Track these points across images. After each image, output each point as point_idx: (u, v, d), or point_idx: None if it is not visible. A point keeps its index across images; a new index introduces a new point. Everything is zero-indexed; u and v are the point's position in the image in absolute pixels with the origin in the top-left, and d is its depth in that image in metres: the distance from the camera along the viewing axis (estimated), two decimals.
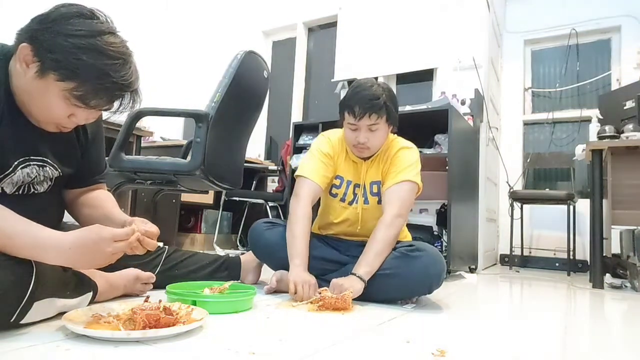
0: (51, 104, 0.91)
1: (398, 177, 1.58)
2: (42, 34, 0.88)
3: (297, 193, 1.60)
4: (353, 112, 1.53)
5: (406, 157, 1.62)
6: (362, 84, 1.58)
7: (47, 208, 1.09)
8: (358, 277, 1.42)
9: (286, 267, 1.53)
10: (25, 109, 0.96)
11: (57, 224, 1.16)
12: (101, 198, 1.21)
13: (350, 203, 1.69)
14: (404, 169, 1.60)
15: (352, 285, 1.38)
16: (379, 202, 1.65)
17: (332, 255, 1.67)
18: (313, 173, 1.62)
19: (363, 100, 1.52)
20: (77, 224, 1.21)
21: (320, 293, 1.36)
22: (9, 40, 0.99)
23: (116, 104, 0.96)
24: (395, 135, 1.74)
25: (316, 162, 1.65)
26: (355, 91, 1.56)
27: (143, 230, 0.99)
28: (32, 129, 0.99)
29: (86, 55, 0.87)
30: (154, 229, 1.03)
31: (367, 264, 1.45)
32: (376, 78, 3.80)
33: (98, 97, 0.92)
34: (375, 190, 1.66)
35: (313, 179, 1.61)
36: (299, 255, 1.48)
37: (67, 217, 1.22)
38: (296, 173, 1.66)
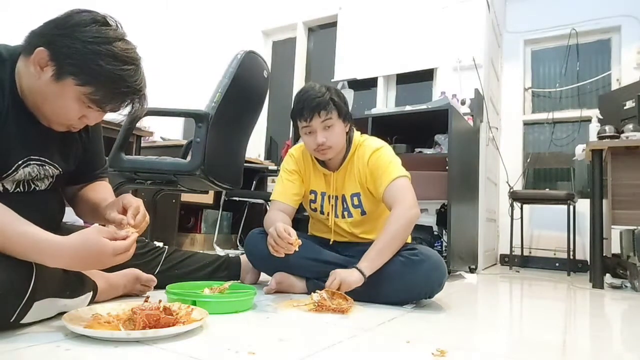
0: (66, 106, 0.94)
1: (387, 177, 1.56)
2: (59, 40, 0.90)
3: (268, 214, 1.65)
4: (303, 115, 1.53)
5: (383, 158, 1.60)
6: (304, 88, 1.60)
7: (47, 205, 1.10)
8: (358, 270, 1.42)
9: None
10: (36, 110, 0.97)
11: (58, 223, 1.17)
12: (96, 189, 1.22)
13: (329, 215, 1.71)
14: (386, 169, 1.58)
15: (350, 275, 1.39)
16: (363, 213, 1.66)
17: (331, 256, 1.66)
18: (281, 195, 1.69)
19: (309, 100, 1.53)
20: (77, 224, 1.22)
21: (319, 295, 1.35)
22: (7, 40, 1.00)
23: (128, 107, 1.00)
24: (361, 134, 1.72)
25: (283, 183, 1.71)
26: (299, 96, 1.58)
27: (135, 221, 1.04)
28: (38, 129, 1.00)
29: (104, 61, 0.90)
30: (134, 203, 1.07)
31: (369, 259, 1.45)
32: (376, 78, 3.89)
33: (113, 101, 0.96)
34: (356, 202, 1.66)
35: (281, 200, 1.68)
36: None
37: (67, 217, 1.22)
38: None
